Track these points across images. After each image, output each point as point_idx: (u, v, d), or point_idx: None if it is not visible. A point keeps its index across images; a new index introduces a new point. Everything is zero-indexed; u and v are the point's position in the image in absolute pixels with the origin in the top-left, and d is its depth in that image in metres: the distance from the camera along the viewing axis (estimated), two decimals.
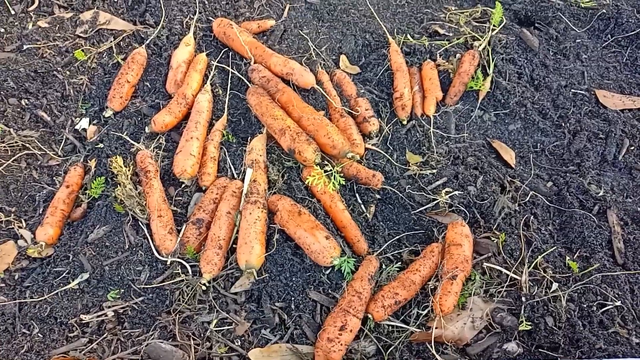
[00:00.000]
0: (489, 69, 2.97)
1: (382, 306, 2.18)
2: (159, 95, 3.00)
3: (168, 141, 2.81)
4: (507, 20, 3.28)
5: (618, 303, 2.14)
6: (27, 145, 2.84)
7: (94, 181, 2.62)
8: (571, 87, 3.02)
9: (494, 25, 3.10)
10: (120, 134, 2.79)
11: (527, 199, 2.53)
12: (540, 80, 3.02)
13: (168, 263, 2.33)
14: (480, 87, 2.91)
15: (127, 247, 2.40)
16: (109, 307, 2.26)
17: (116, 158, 2.61)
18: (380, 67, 3.09)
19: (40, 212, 2.63)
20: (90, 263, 2.37)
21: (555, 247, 2.35)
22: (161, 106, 2.91)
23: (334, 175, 2.47)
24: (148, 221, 2.46)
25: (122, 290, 2.29)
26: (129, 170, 2.60)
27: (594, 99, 2.99)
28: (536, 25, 3.32)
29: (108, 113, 2.93)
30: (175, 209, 2.55)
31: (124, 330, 2.20)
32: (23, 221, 2.60)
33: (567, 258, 2.31)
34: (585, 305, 2.15)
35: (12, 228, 2.56)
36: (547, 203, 2.56)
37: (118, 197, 2.51)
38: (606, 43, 3.30)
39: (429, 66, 3.02)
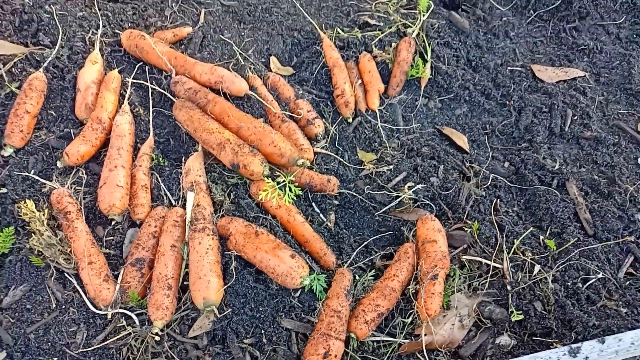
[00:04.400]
0: (427, 54, 2.87)
1: (365, 322, 1.97)
2: (67, 123, 2.60)
3: (87, 174, 2.42)
4: (434, 4, 3.21)
5: (600, 275, 2.08)
6: None
7: (1, 233, 2.17)
8: (507, 65, 3.00)
9: (422, 11, 3.01)
10: (27, 174, 2.36)
11: (488, 183, 2.44)
12: (477, 61, 2.97)
13: (109, 316, 2.00)
14: (421, 74, 2.80)
15: (54, 306, 2.05)
16: None
17: (25, 202, 2.19)
18: (315, 64, 2.89)
19: None
20: (10, 333, 1.96)
21: (528, 228, 2.27)
22: (73, 135, 2.51)
23: (288, 187, 2.23)
24: (76, 271, 2.11)
25: (56, 358, 1.92)
26: (43, 215, 2.19)
27: (530, 74, 3.00)
28: (462, 7, 3.29)
29: (7, 151, 2.48)
30: (107, 251, 2.20)
31: None
32: None
33: (542, 237, 2.23)
34: (569, 283, 2.07)
35: None
36: (509, 184, 2.48)
37: (34, 248, 2.11)
38: (530, 19, 3.34)
39: (366, 58, 2.86)
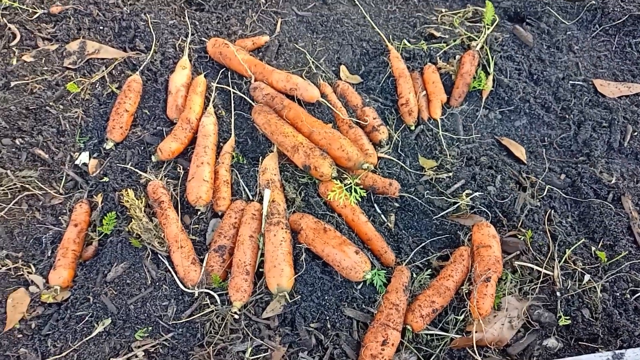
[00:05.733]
0: (489, 67, 3.00)
1: (421, 316, 2.17)
2: (159, 122, 2.93)
3: (176, 168, 2.74)
4: (499, 18, 3.33)
5: None
6: (27, 185, 2.73)
7: (105, 217, 2.53)
8: (569, 79, 3.08)
9: (487, 24, 3.14)
10: (125, 166, 2.71)
11: (544, 194, 2.56)
12: (539, 74, 3.07)
13: (195, 295, 2.27)
14: (483, 86, 2.94)
15: (149, 282, 2.32)
16: (139, 347, 2.18)
17: (127, 191, 2.53)
18: (382, 74, 3.09)
19: (49, 255, 2.52)
20: (114, 303, 2.28)
21: (581, 239, 2.38)
22: (164, 133, 2.84)
23: (354, 188, 2.45)
24: (168, 253, 2.39)
25: (150, 327, 2.21)
26: (141, 203, 2.52)
27: (592, 88, 3.06)
28: (527, 20, 3.39)
29: (109, 145, 2.84)
30: (193, 237, 2.49)
31: None
32: (32, 266, 2.49)
33: (594, 248, 2.34)
34: (618, 294, 2.19)
35: (21, 274, 2.45)
36: (564, 195, 2.59)
37: (133, 231, 2.43)
38: (595, 33, 3.39)
39: (430, 70, 3.04)
